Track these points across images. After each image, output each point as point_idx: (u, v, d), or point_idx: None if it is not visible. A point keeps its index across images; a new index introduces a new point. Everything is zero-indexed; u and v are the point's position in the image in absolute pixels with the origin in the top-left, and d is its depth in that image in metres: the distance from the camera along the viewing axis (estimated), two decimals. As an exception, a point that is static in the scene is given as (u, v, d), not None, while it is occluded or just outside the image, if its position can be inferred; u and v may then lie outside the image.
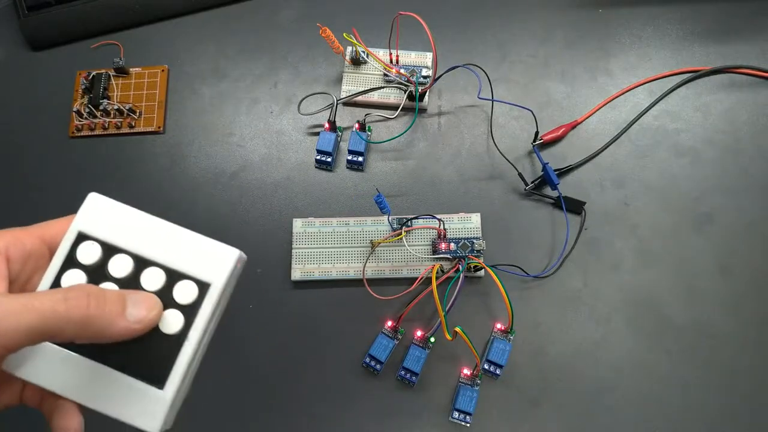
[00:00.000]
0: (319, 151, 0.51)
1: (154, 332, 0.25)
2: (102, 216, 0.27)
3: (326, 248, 0.48)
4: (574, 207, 0.49)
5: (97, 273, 0.26)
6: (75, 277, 0.26)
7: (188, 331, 0.25)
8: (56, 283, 0.26)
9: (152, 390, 0.25)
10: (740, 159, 0.51)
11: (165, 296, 0.26)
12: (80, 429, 0.26)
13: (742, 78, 0.53)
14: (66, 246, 0.26)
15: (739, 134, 0.51)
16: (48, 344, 0.25)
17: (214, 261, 0.26)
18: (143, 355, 0.25)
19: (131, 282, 0.26)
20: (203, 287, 0.26)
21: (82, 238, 0.26)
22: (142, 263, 0.26)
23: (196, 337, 0.26)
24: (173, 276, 0.26)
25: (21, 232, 0.26)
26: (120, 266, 0.26)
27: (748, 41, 0.54)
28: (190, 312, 0.26)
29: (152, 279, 0.26)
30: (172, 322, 0.25)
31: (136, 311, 0.24)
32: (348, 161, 0.52)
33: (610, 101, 0.53)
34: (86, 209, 0.27)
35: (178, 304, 0.26)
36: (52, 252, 0.27)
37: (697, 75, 0.53)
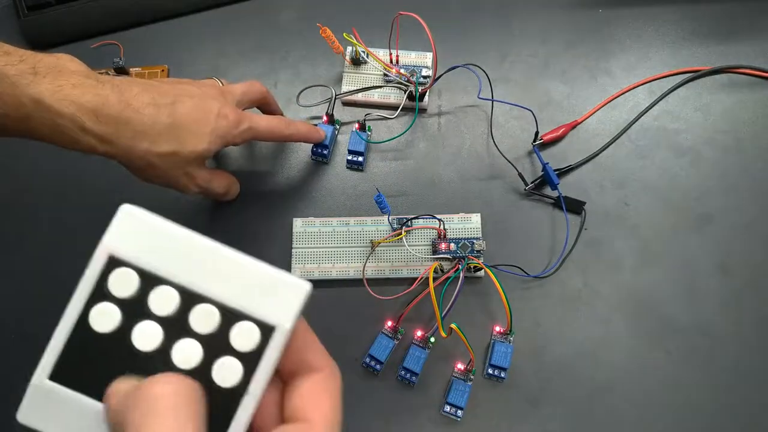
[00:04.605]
0: (317, 144, 0.51)
1: (208, 385, 0.21)
2: (139, 235, 0.22)
3: (326, 248, 0.48)
4: (574, 207, 0.49)
5: (133, 308, 0.21)
6: (107, 312, 0.21)
7: (248, 383, 0.21)
8: (84, 318, 0.21)
9: None
10: (740, 159, 0.51)
11: (220, 342, 0.21)
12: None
13: (742, 78, 0.53)
14: (94, 273, 0.21)
15: (740, 134, 0.51)
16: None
17: (279, 297, 0.22)
18: None
19: (177, 323, 0.21)
20: (267, 330, 0.21)
21: (114, 263, 0.21)
22: (190, 299, 0.21)
23: (258, 391, 0.21)
24: (230, 316, 0.21)
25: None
26: (163, 302, 0.21)
27: (748, 41, 0.54)
28: (250, 360, 0.21)
29: (203, 320, 0.21)
30: (228, 373, 0.21)
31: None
32: (348, 161, 0.52)
33: (610, 101, 0.53)
34: (118, 226, 0.22)
35: (235, 351, 0.21)
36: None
37: (697, 75, 0.53)
